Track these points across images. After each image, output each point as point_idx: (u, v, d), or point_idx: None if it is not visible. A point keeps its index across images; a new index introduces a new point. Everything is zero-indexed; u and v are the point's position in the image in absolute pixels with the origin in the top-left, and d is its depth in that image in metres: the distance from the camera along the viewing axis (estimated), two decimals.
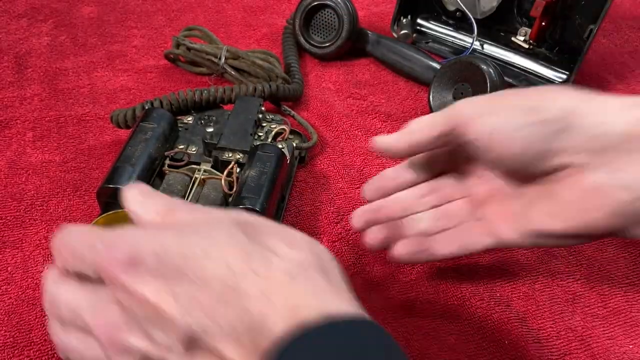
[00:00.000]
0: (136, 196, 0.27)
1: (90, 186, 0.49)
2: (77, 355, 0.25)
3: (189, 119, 0.49)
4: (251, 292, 0.22)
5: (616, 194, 0.29)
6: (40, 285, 0.41)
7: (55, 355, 0.37)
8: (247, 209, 0.39)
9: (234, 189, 0.43)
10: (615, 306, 0.43)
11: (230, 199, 0.42)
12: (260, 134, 0.49)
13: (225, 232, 0.24)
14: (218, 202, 0.42)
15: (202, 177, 0.44)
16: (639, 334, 0.41)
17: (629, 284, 0.45)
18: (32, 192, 0.48)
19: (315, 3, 0.66)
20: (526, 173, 0.33)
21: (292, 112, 0.56)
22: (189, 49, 0.60)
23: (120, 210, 0.37)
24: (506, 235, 0.35)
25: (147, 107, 0.47)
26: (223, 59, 0.58)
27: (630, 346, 0.40)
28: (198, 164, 0.45)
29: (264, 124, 0.50)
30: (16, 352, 0.37)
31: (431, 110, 0.59)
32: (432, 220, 0.38)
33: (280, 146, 0.47)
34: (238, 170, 0.44)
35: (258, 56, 0.60)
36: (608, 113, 0.30)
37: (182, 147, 0.46)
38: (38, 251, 0.43)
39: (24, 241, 0.44)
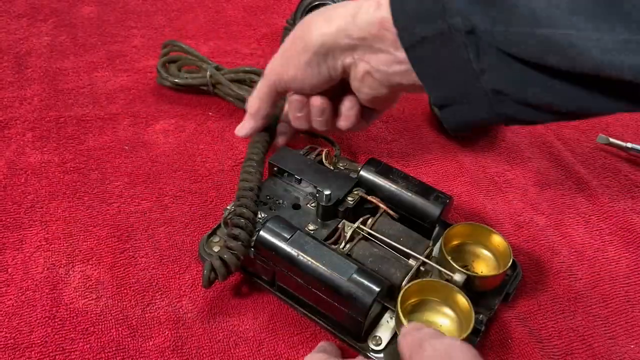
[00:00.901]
0: None
1: (89, 187, 0.49)
2: None
3: (261, 215, 0.43)
4: None
5: (377, 76, 0.38)
6: (40, 287, 0.41)
7: (56, 356, 0.37)
8: (445, 200, 0.42)
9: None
10: (617, 306, 0.43)
11: (406, 215, 0.43)
12: None
13: None
14: (402, 229, 0.42)
15: (366, 227, 0.42)
16: None
17: (630, 284, 0.45)
18: (32, 194, 0.48)
19: (316, 2, 0.65)
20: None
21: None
22: (176, 84, 0.59)
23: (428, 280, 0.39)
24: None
25: (260, 229, 0.39)
26: (211, 87, 0.58)
27: (632, 346, 0.40)
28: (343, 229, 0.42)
29: None
30: (17, 353, 0.37)
31: (433, 112, 0.59)
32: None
33: (342, 164, 0.48)
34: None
35: (241, 77, 0.57)
36: (345, 22, 0.37)
37: (311, 229, 0.42)
38: (39, 253, 0.43)
39: (24, 242, 0.44)
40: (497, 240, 0.41)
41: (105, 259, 0.43)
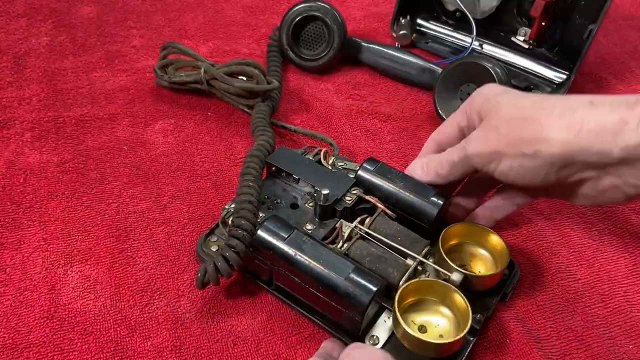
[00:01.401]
0: None
1: (88, 187, 0.49)
2: None
3: (260, 215, 0.42)
4: None
5: (627, 190, 0.37)
6: (39, 287, 0.41)
7: (55, 357, 0.37)
8: (442, 200, 0.42)
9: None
10: (616, 306, 0.43)
11: (404, 214, 0.43)
12: None
13: None
14: (400, 229, 0.41)
15: (364, 226, 0.41)
16: (639, 334, 0.41)
17: (629, 284, 0.45)
18: (30, 194, 0.48)
19: (301, 17, 0.63)
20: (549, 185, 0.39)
21: (286, 125, 0.56)
22: (172, 82, 0.59)
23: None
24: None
25: (256, 233, 0.39)
26: (205, 84, 0.58)
27: (630, 346, 0.40)
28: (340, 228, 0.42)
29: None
30: (15, 353, 0.37)
31: (439, 115, 0.58)
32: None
33: (340, 164, 0.47)
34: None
35: (234, 70, 0.56)
36: (602, 140, 0.34)
37: (309, 228, 0.42)
38: (37, 253, 0.43)
39: (22, 242, 0.44)
40: (495, 240, 0.41)
41: (104, 259, 0.43)
